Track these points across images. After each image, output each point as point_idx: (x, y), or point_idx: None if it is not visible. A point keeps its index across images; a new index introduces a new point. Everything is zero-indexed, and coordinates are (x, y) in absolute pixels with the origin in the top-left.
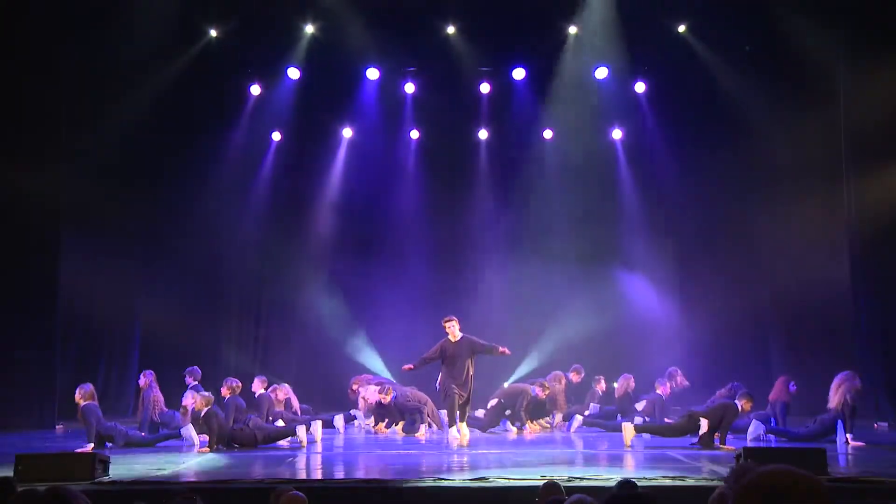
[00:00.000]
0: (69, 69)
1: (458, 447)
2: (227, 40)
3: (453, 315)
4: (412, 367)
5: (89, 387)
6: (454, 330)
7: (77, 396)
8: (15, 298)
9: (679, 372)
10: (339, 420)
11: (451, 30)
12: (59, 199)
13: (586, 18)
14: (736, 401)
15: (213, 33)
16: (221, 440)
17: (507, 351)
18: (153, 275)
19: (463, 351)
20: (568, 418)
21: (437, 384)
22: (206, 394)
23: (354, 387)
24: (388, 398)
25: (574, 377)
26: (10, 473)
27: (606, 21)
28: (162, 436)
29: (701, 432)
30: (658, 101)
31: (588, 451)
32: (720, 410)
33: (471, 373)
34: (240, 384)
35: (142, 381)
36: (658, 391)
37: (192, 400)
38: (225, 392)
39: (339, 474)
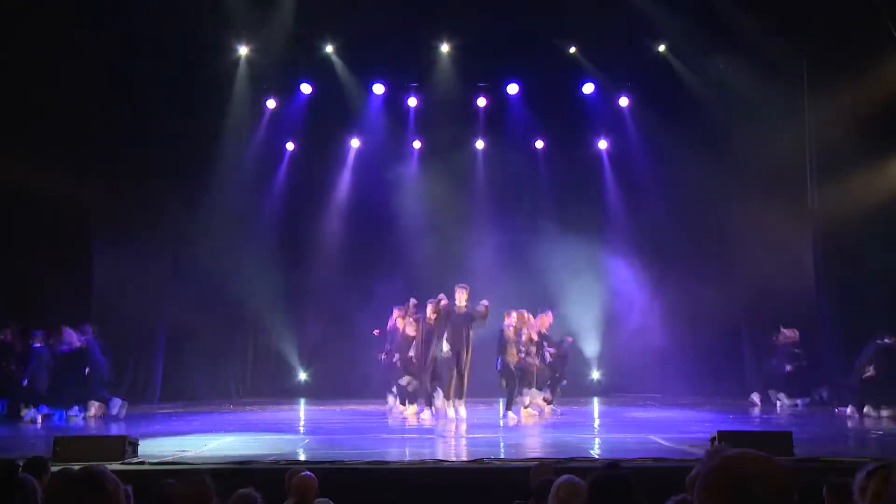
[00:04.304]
0: (102, 80)
1: (455, 426)
2: (251, 58)
3: (467, 285)
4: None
5: None
6: (462, 298)
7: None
8: (53, 298)
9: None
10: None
11: (450, 49)
12: (92, 206)
13: (574, 39)
14: None
15: (243, 51)
16: None
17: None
18: (177, 276)
19: (465, 318)
20: None
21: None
22: None
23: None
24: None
25: None
26: (49, 454)
27: (591, 41)
28: None
29: None
30: (640, 114)
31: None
32: None
33: (469, 340)
34: None
35: None
36: None
37: None
38: None
39: (347, 457)
